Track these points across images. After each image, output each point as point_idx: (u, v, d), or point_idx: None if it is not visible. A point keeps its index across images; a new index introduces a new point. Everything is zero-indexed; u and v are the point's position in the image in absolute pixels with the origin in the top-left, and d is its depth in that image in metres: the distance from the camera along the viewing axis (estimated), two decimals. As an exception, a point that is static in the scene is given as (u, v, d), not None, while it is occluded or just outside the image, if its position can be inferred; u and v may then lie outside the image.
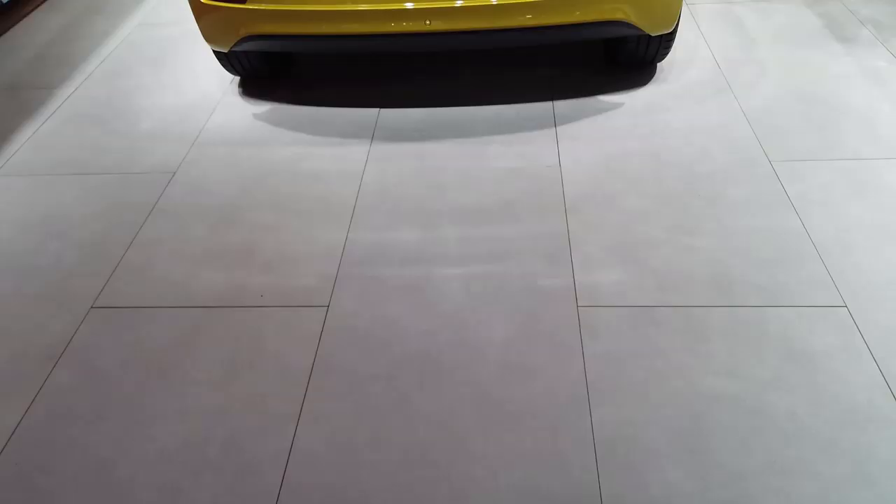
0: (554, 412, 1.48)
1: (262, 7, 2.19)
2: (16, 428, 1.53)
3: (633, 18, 2.19)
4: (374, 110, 2.57)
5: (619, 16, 2.18)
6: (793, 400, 1.47)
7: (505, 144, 2.35)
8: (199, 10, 2.32)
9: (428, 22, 2.19)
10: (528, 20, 2.16)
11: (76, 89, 2.81)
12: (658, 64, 2.69)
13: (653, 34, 2.31)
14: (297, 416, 1.51)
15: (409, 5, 2.15)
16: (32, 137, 2.53)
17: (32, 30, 3.32)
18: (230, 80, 2.78)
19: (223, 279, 1.87)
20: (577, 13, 2.16)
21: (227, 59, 2.60)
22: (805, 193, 2.02)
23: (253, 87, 2.74)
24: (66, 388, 1.60)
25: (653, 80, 2.62)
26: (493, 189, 2.14)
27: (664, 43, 2.46)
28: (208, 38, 2.40)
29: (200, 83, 2.79)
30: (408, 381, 1.57)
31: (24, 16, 3.44)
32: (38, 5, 3.54)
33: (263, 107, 2.63)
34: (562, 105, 2.52)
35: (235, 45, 2.34)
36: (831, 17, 2.95)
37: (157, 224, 2.08)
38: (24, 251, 2.02)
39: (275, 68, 2.74)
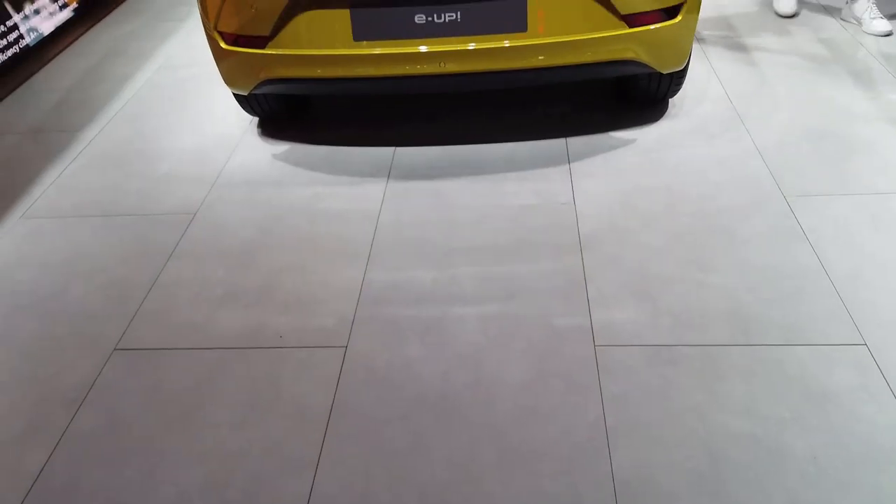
0: (572, 454, 1.48)
1: (281, 52, 2.26)
2: (40, 473, 1.55)
3: (645, 58, 2.23)
4: (390, 149, 2.61)
5: (630, 55, 2.21)
6: (812, 440, 1.46)
7: (519, 182, 2.37)
8: (219, 55, 2.39)
9: (442, 64, 2.24)
10: (541, 61, 2.21)
11: (99, 132, 2.88)
12: (670, 100, 2.72)
13: (664, 72, 2.34)
14: (317, 460, 1.52)
15: (424, 49, 2.20)
16: (57, 180, 2.59)
17: (57, 74, 3.42)
18: (249, 121, 2.85)
19: (242, 320, 1.90)
20: (589, 53, 2.20)
21: (246, 101, 2.66)
22: (820, 228, 2.02)
23: (271, 127, 2.80)
24: (89, 432, 1.63)
25: (665, 115, 2.65)
26: (509, 227, 2.16)
27: (676, 80, 2.49)
28: (228, 81, 2.47)
29: (220, 124, 2.85)
30: (424, 422, 1.58)
31: (49, 60, 3.55)
32: (62, 50, 3.65)
33: (282, 147, 2.68)
34: (575, 142, 2.55)
35: (255, 88, 2.40)
36: (843, 52, 2.98)
37: (177, 265, 2.12)
38: (48, 293, 2.06)
39: (293, 109, 2.80)
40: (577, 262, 1.99)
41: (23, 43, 3.52)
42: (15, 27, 3.48)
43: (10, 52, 3.43)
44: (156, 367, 1.78)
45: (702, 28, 3.25)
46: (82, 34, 3.80)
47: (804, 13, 3.33)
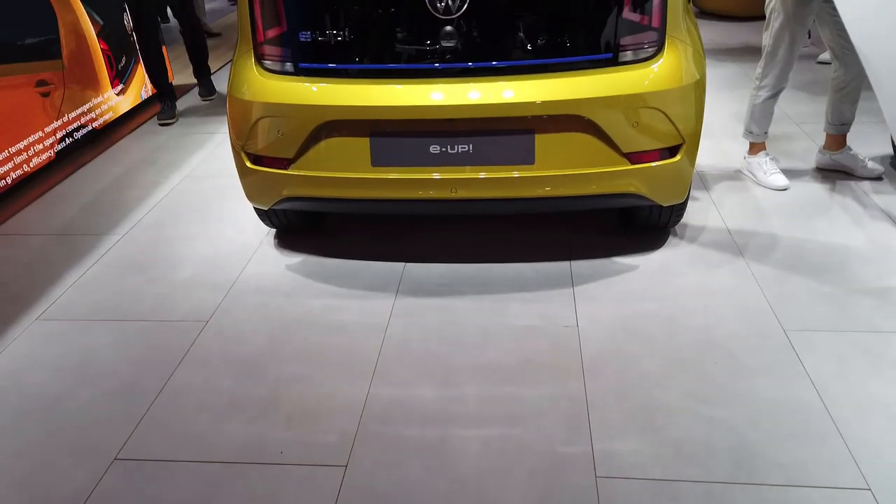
0: None
1: (303, 173, 2.39)
2: (28, 587, 1.52)
3: (645, 192, 2.35)
4: (400, 264, 2.70)
5: (631, 189, 2.33)
6: (820, 590, 1.42)
7: (524, 303, 2.43)
8: (244, 172, 2.53)
9: (454, 190, 2.36)
10: (547, 192, 2.33)
11: (123, 236, 3.00)
12: (671, 228, 2.82)
13: (665, 205, 2.45)
14: (310, 586, 1.48)
15: (437, 176, 2.33)
16: (77, 282, 2.68)
17: (89, 178, 3.60)
18: (266, 232, 2.96)
19: (245, 433, 1.91)
20: (593, 186, 2.32)
21: (265, 215, 2.79)
22: (821, 365, 2.05)
23: (287, 238, 2.91)
24: (82, 545, 1.60)
25: (666, 243, 2.74)
26: (513, 347, 2.20)
27: (676, 211, 2.61)
28: (250, 197, 2.60)
29: (239, 234, 2.97)
30: (423, 551, 1.55)
31: (82, 165, 3.74)
32: (97, 156, 3.85)
33: (296, 258, 2.78)
34: (579, 265, 2.63)
35: (275, 204, 2.53)
36: (839, 192, 3.10)
37: (186, 373, 2.15)
38: (56, 397, 2.08)
39: (309, 222, 2.92)
40: (579, 387, 2.01)
41: (57, 148, 3.73)
42: (55, 131, 3.70)
43: (44, 156, 3.64)
44: (155, 480, 1.77)
45: (701, 159, 3.42)
46: (112, 144, 4.03)
47: (798, 142, 3.50)
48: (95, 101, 4.03)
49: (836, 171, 3.22)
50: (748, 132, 3.21)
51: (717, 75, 4.51)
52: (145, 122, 4.38)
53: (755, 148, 3.22)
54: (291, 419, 1.95)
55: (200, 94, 4.83)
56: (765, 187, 3.13)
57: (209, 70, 4.90)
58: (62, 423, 1.98)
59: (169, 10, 6.18)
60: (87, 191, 3.46)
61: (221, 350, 2.26)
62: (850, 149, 3.18)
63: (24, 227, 3.16)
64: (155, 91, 4.52)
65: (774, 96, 3.09)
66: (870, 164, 3.15)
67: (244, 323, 2.39)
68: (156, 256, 2.84)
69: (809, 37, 4.93)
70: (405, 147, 2.34)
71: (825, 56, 4.60)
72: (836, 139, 3.17)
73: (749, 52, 4.99)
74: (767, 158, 3.17)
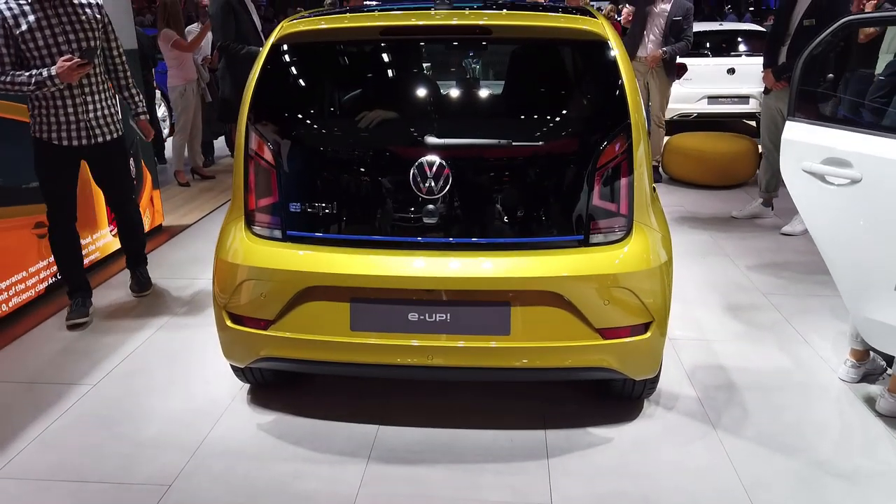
0: None
1: (283, 334, 2.43)
2: None
3: (617, 366, 2.40)
4: (374, 427, 2.66)
5: (604, 364, 2.39)
6: None
7: (497, 475, 2.39)
8: (223, 328, 2.56)
9: (430, 357, 2.40)
10: (524, 363, 2.37)
11: (93, 386, 2.96)
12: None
13: (637, 379, 2.50)
14: None
15: (415, 343, 2.38)
16: (40, 437, 2.60)
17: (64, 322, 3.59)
18: (240, 387, 2.93)
19: None
20: (566, 359, 2.38)
21: (241, 371, 2.78)
22: (797, 556, 2.01)
23: (260, 395, 2.88)
24: None
25: (640, 414, 2.75)
26: (484, 527, 2.13)
27: (649, 385, 2.65)
28: (227, 354, 2.61)
29: (211, 388, 2.94)
30: None
31: (64, 307, 3.74)
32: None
33: (268, 416, 2.74)
34: (553, 435, 2.61)
35: (252, 362, 2.54)
36: (804, 361, 3.18)
37: (140, 545, 2.05)
38: (-1, 569, 1.96)
39: (283, 379, 2.90)
40: (552, 575, 1.93)
41: (38, 288, 3.76)
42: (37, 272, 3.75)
43: (24, 296, 3.65)
44: None
45: (673, 327, 3.51)
46: (96, 285, 4.06)
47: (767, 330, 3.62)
48: (87, 239, 4.11)
49: (805, 344, 3.31)
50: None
51: (689, 242, 4.74)
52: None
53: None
54: None
55: (132, 289, 3.91)
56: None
57: (145, 259, 4.01)
58: None
59: (169, 147, 6.44)
60: (63, 336, 3.44)
61: (181, 519, 2.16)
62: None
63: (-7, 371, 3.12)
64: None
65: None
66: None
67: (207, 490, 2.31)
68: (123, 411, 2.78)
69: (772, 209, 5.27)
70: (384, 313, 2.41)
71: (788, 228, 4.87)
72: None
73: (717, 221, 5.28)
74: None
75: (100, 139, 3.44)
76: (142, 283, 3.93)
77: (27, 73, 3.13)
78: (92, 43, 3.32)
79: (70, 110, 3.32)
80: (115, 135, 3.53)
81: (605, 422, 2.70)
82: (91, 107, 3.38)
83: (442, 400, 2.86)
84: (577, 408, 2.79)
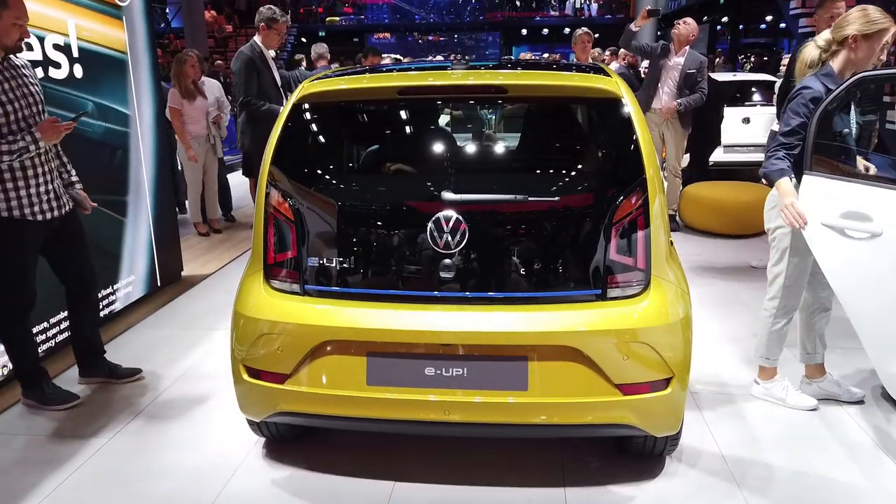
0: None
1: (299, 389, 2.41)
2: None
3: (637, 422, 2.35)
4: (389, 484, 2.62)
5: (624, 421, 2.34)
6: None
7: (516, 536, 2.33)
8: (239, 382, 2.54)
9: (447, 413, 2.37)
10: (542, 420, 2.34)
11: (108, 441, 2.94)
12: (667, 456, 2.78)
13: (658, 436, 2.44)
14: None
15: (432, 398, 2.35)
16: (52, 494, 2.58)
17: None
18: (255, 441, 2.91)
19: None
20: (587, 416, 2.33)
21: (256, 425, 2.76)
22: None
23: (275, 449, 2.85)
24: None
25: (663, 472, 2.68)
26: (503, 592, 2.06)
27: (671, 441, 2.59)
28: (243, 408, 2.59)
29: (226, 442, 2.91)
30: None
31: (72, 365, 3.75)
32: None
33: (282, 472, 2.70)
34: (573, 493, 2.55)
35: (268, 416, 2.52)
36: (831, 420, 3.10)
37: None
38: None
39: (299, 433, 2.88)
40: None
41: (56, 341, 3.78)
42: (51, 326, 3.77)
43: (45, 347, 3.67)
44: None
45: (695, 380, 3.45)
46: (111, 339, 4.08)
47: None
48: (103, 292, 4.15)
49: (830, 401, 3.23)
50: (766, 359, 3.23)
51: (707, 292, 4.70)
52: (146, 317, 4.47)
53: (768, 372, 3.22)
54: None
55: (115, 376, 3.47)
56: (793, 408, 3.13)
57: (103, 348, 3.53)
58: None
59: (189, 201, 6.54)
60: (77, 389, 3.43)
61: (193, 581, 2.12)
62: (831, 375, 3.23)
63: (11, 426, 3.11)
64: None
65: (790, 321, 3.18)
66: (853, 390, 3.19)
67: (221, 548, 2.27)
68: (137, 467, 2.76)
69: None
70: (401, 368, 2.39)
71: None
72: (817, 368, 3.23)
73: (736, 271, 5.24)
74: (787, 381, 3.20)
75: (64, 209, 3.13)
76: (121, 369, 3.51)
77: None
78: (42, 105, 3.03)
79: (41, 179, 2.99)
80: (71, 204, 3.21)
81: (626, 479, 2.63)
82: (55, 174, 3.11)
83: (458, 455, 2.81)
84: (598, 464, 2.72)
